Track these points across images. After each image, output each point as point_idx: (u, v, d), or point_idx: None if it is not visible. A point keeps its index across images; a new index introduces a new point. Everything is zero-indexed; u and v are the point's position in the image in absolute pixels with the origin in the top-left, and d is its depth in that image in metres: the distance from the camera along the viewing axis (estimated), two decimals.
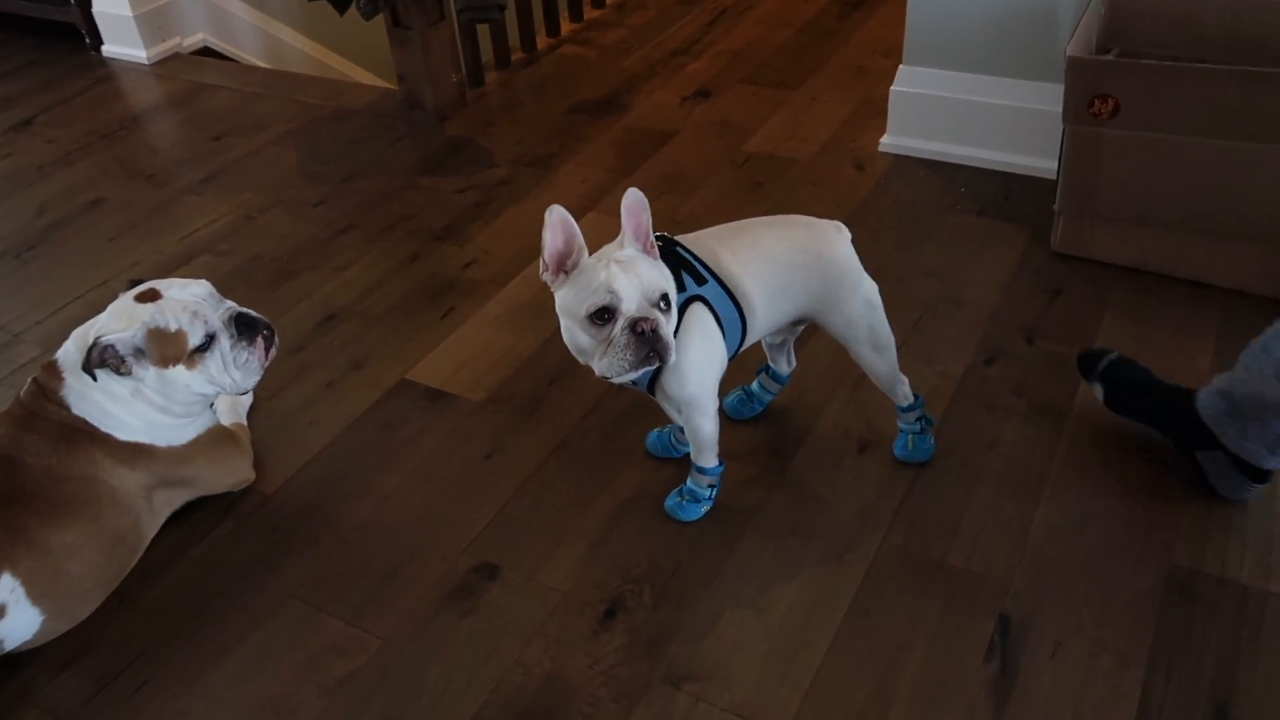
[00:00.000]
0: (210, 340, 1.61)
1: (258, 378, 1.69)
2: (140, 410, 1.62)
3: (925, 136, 2.54)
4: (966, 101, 2.44)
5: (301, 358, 2.11)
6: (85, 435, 1.57)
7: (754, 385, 1.84)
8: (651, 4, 3.66)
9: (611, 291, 1.33)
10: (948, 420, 1.81)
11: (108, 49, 3.64)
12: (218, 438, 1.76)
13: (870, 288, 1.57)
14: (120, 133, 3.13)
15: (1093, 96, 1.97)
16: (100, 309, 1.65)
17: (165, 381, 1.60)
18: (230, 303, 1.67)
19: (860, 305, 1.56)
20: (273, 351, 1.70)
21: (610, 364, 1.36)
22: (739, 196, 2.51)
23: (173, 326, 1.58)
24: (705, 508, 1.66)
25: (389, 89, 3.23)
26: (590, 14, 3.60)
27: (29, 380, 1.62)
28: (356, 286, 2.31)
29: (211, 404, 1.76)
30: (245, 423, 1.90)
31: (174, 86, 3.40)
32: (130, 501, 1.61)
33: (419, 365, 2.06)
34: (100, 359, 1.55)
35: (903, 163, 2.56)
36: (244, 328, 1.65)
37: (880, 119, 2.73)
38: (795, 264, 1.53)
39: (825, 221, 1.58)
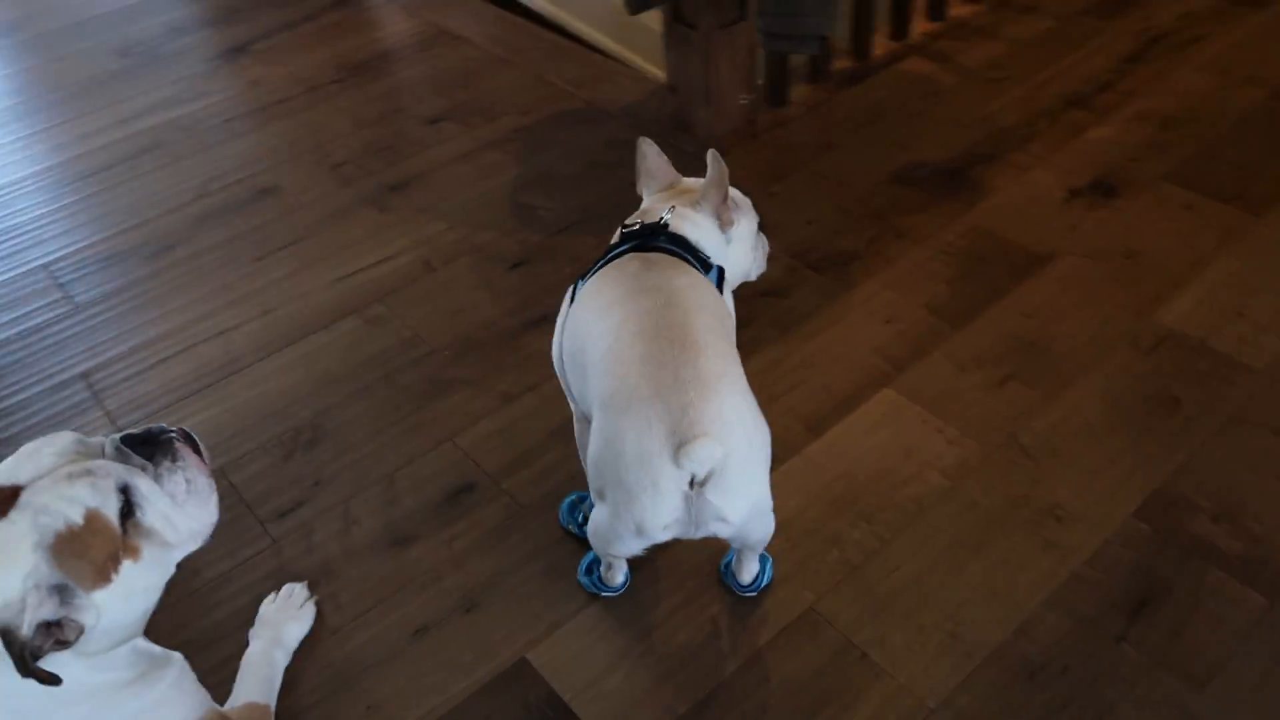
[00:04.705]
0: (127, 494, 0.97)
1: (215, 499, 1.06)
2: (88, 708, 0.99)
3: None
4: None
5: (400, 562, 1.42)
6: None
7: None
8: (1047, 6, 2.58)
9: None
10: None
11: None
12: None
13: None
14: (331, 87, 2.52)
15: None
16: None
17: (123, 600, 0.97)
18: (103, 437, 1.02)
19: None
20: (205, 454, 1.07)
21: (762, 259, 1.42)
22: (1131, 412, 1.54)
23: (76, 515, 0.93)
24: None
25: (658, 86, 2.42)
26: (957, 9, 2.58)
27: None
28: (518, 440, 1.58)
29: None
30: (273, 702, 1.24)
31: (414, 27, 2.75)
32: None
33: (551, 638, 1.32)
34: (41, 649, 0.91)
35: None
36: (144, 447, 1.01)
37: None
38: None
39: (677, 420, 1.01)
